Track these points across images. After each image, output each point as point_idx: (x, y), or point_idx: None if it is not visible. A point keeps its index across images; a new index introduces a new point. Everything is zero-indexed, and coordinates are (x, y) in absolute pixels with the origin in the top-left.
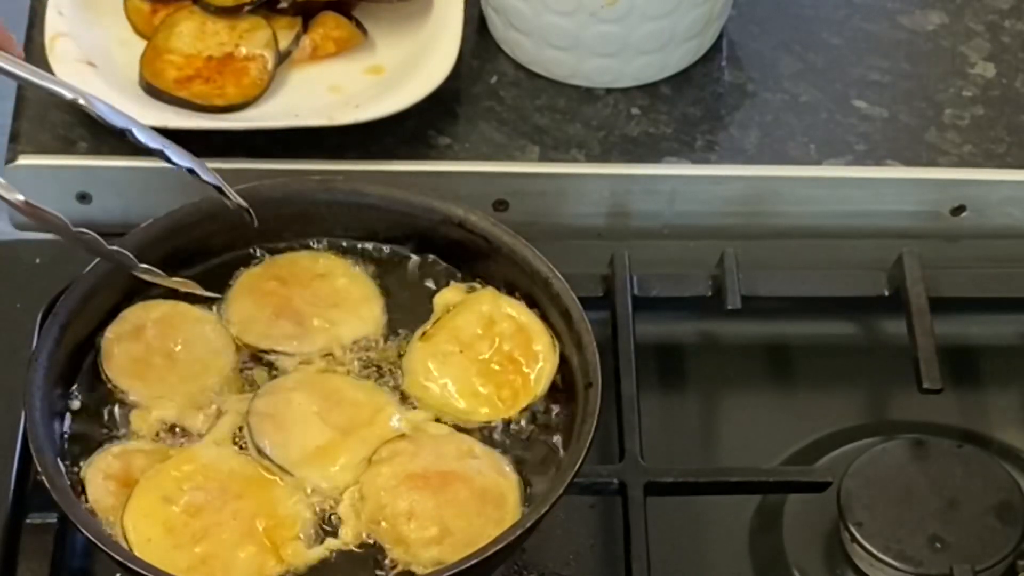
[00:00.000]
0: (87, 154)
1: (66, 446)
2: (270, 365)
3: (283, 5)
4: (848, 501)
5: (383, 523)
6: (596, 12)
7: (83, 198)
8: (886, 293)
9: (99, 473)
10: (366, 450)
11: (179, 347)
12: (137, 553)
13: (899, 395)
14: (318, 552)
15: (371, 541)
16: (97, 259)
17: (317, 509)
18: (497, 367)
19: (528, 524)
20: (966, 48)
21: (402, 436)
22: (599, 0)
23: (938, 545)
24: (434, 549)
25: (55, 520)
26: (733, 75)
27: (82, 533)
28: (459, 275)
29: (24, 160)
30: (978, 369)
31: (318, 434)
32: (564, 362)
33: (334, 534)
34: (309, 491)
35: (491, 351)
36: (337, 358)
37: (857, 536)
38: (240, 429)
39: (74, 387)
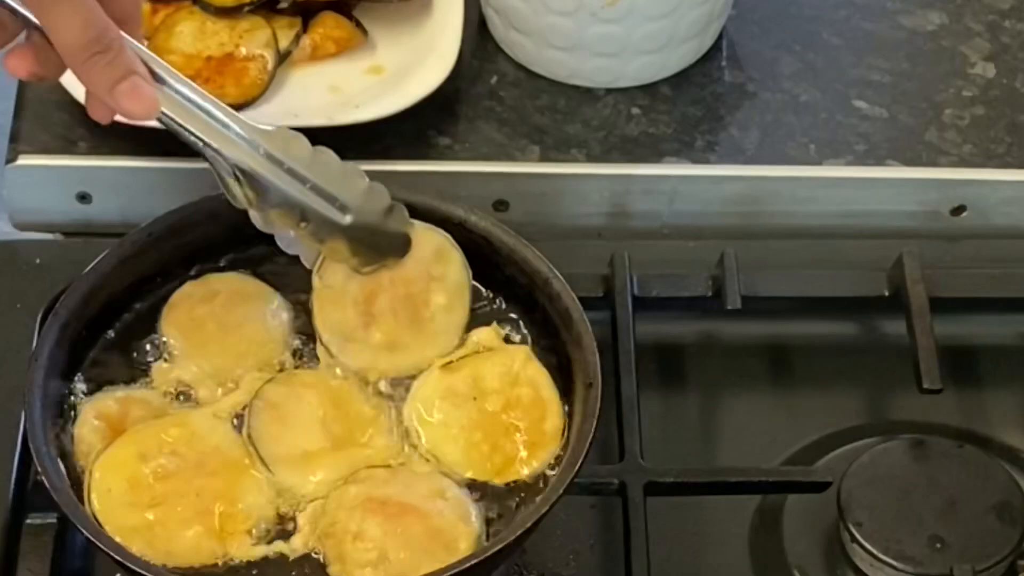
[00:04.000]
0: (87, 154)
1: (81, 380)
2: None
3: (283, 5)
4: (848, 501)
5: (331, 538)
6: (596, 12)
7: (83, 198)
8: (886, 293)
9: (94, 411)
10: (347, 470)
11: (239, 325)
12: (94, 500)
13: (899, 395)
14: (260, 551)
15: (316, 554)
16: (97, 259)
17: (279, 511)
18: (501, 430)
19: (528, 524)
20: (966, 48)
21: (386, 465)
22: (599, 0)
23: (938, 545)
24: (368, 571)
25: (55, 520)
26: (733, 75)
27: (82, 533)
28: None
29: (24, 160)
30: (978, 369)
31: (311, 440)
32: (564, 363)
33: (284, 539)
34: (279, 492)
35: (502, 409)
36: (371, 381)
37: (857, 536)
38: (244, 408)
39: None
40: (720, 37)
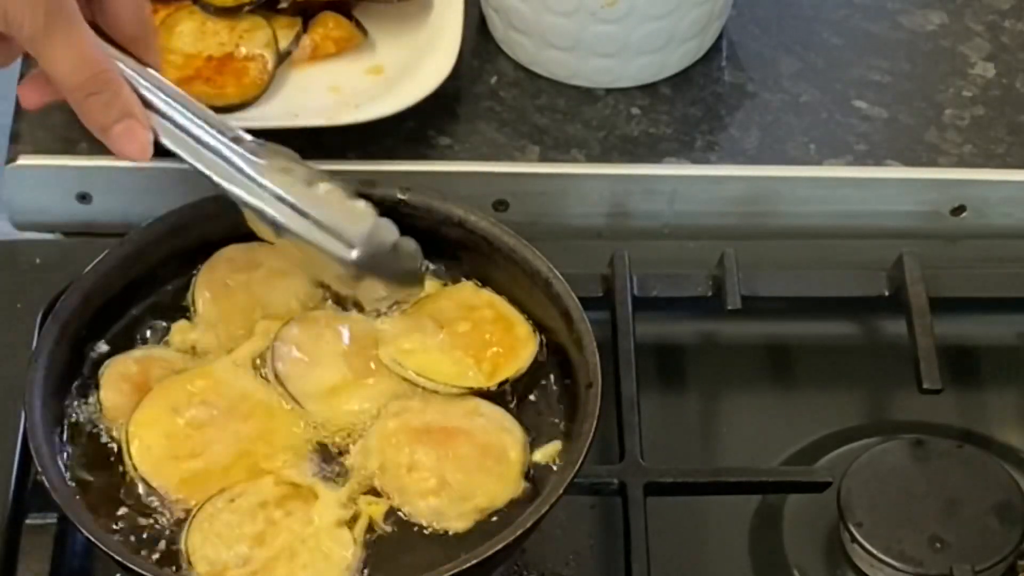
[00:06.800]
0: (87, 154)
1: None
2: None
3: (283, 5)
4: (848, 501)
5: (386, 473)
6: (596, 12)
7: (83, 198)
8: (886, 293)
9: (116, 373)
10: (378, 398)
11: (270, 299)
12: (135, 459)
13: (899, 395)
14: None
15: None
16: (97, 259)
17: (319, 444)
18: (477, 342)
19: (528, 524)
20: (966, 48)
21: (412, 396)
22: (599, 0)
23: (938, 545)
24: (431, 499)
25: (55, 520)
26: (733, 75)
27: (82, 533)
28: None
29: (24, 160)
30: (978, 369)
31: (336, 374)
32: (565, 362)
33: (335, 479)
34: (314, 426)
35: (470, 329)
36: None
37: (857, 536)
38: (263, 354)
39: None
40: (720, 37)
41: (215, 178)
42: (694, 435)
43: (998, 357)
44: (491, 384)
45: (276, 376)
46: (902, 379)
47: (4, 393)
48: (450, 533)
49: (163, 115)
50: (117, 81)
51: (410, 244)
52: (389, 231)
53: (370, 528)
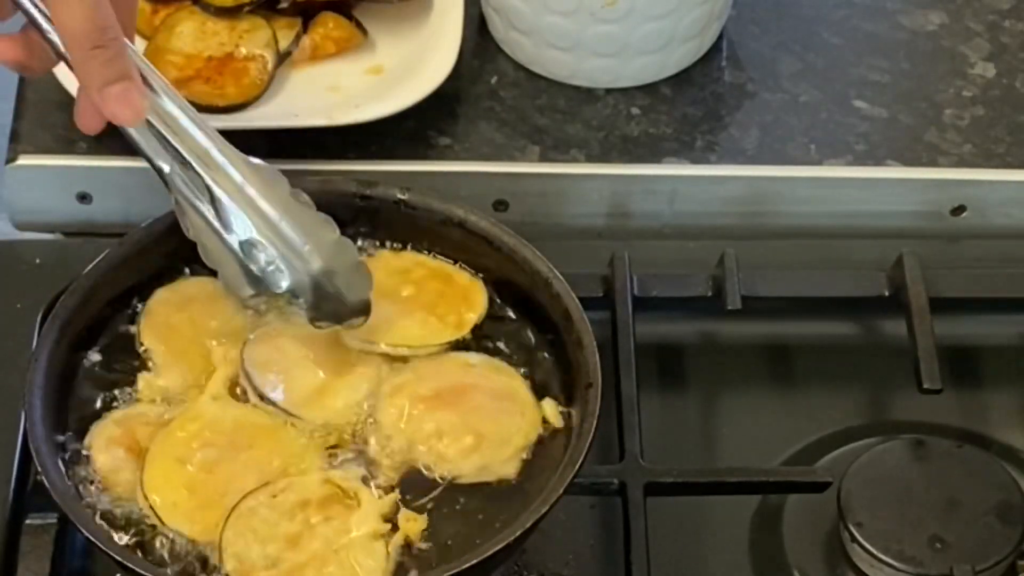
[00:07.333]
0: (87, 154)
1: (72, 413)
2: None
3: (283, 5)
4: (848, 501)
5: (421, 447)
6: (596, 12)
7: (83, 198)
8: (886, 293)
9: (103, 441)
10: (362, 387)
11: (214, 325)
12: (167, 520)
13: (899, 395)
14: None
15: (424, 469)
16: (97, 259)
17: (328, 445)
18: (429, 300)
19: (528, 524)
20: (966, 48)
21: (396, 372)
22: (599, 0)
23: (938, 545)
24: (474, 456)
25: (55, 520)
26: (733, 75)
27: (82, 533)
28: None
29: (24, 160)
30: (978, 369)
31: (313, 377)
32: (565, 363)
33: (367, 475)
34: (316, 430)
35: (415, 291)
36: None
37: (857, 536)
38: (235, 380)
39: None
40: (720, 37)
41: (188, 156)
42: (694, 435)
43: (998, 357)
44: (465, 333)
45: (262, 397)
46: (902, 379)
47: (4, 393)
48: (500, 483)
49: (156, 94)
50: (122, 42)
51: (366, 271)
52: (350, 250)
53: (406, 543)
